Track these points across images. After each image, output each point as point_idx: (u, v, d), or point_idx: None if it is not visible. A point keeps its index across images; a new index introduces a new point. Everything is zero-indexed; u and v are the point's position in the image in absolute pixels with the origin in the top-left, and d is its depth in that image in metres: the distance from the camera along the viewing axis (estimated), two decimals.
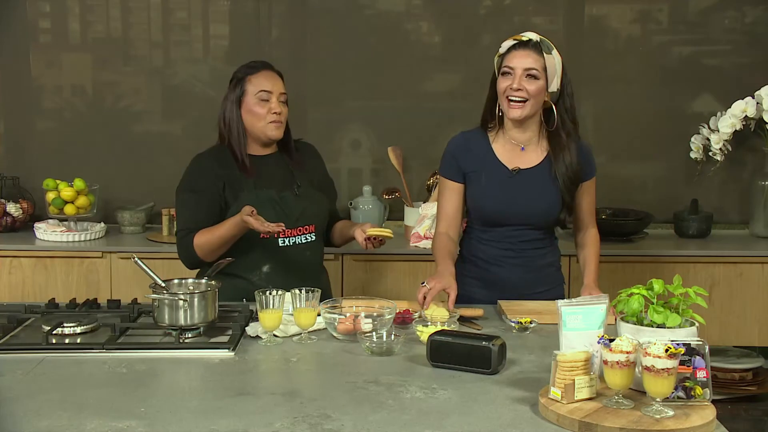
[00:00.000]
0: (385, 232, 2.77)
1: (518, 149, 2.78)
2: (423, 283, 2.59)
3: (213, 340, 2.37)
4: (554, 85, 2.72)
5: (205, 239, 2.76)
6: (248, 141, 2.87)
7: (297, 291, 2.36)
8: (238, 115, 2.84)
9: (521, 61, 2.69)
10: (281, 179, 2.88)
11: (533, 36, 2.72)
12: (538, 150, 2.78)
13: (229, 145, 2.87)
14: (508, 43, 2.74)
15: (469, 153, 2.80)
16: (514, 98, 2.69)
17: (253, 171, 2.84)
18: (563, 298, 2.76)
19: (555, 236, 2.91)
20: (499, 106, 2.76)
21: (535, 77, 2.68)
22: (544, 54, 2.69)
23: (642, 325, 1.99)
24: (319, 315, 2.43)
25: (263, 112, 2.82)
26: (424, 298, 2.55)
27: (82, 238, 3.81)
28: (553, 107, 2.74)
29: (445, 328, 2.33)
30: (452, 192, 2.82)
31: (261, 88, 2.82)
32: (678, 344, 1.83)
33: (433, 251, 2.83)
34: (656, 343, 1.81)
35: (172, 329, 2.36)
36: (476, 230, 2.85)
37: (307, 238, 2.89)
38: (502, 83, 2.71)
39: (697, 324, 2.00)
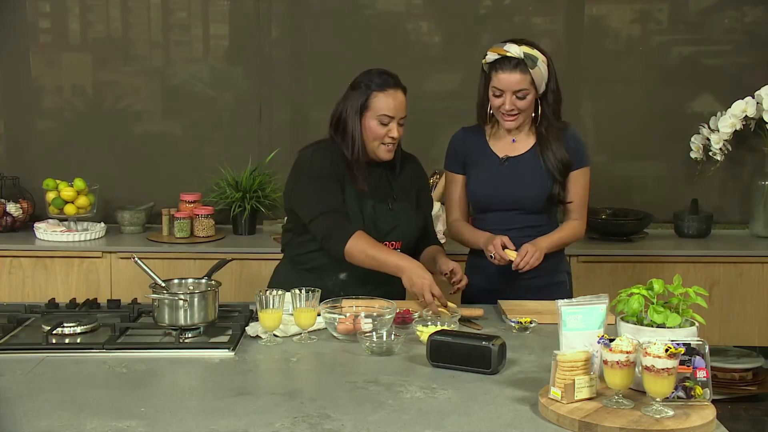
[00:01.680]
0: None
1: (509, 140, 2.90)
2: (491, 256, 2.77)
3: (213, 340, 2.37)
4: (542, 88, 2.81)
5: (364, 247, 2.64)
6: None
7: (297, 291, 2.36)
8: (359, 126, 2.75)
9: (509, 82, 2.77)
10: (379, 191, 2.81)
11: (516, 52, 2.74)
12: (527, 139, 2.89)
13: (345, 146, 2.77)
14: (492, 56, 2.79)
15: (467, 146, 2.94)
16: (507, 113, 2.81)
17: (360, 178, 2.77)
18: (565, 289, 2.83)
19: (555, 223, 2.92)
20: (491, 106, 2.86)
21: (524, 96, 2.78)
22: (530, 69, 2.74)
23: (642, 325, 1.99)
24: (319, 315, 2.43)
25: (381, 134, 2.74)
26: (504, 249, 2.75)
27: (82, 238, 3.81)
28: (539, 102, 2.83)
29: (445, 327, 2.34)
30: (456, 184, 2.98)
31: (385, 112, 2.71)
32: (678, 344, 1.83)
33: (457, 236, 2.98)
34: (656, 343, 1.81)
35: (172, 329, 2.36)
36: (476, 219, 2.97)
37: None
38: (494, 101, 2.82)
39: (697, 324, 2.00)
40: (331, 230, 2.69)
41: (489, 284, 2.87)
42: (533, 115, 2.85)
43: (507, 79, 2.76)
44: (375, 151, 2.77)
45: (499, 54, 2.77)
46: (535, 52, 2.76)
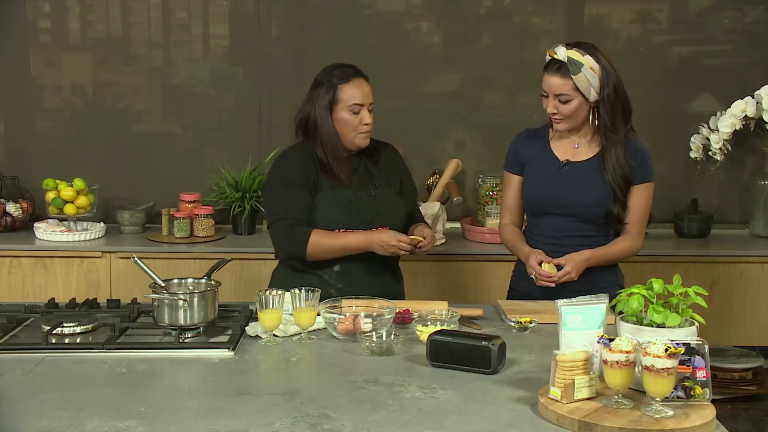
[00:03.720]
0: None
1: (572, 144, 2.85)
2: (533, 277, 2.79)
3: (213, 340, 2.37)
4: (593, 96, 2.73)
5: (326, 242, 2.74)
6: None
7: (297, 291, 2.36)
8: (330, 122, 2.81)
9: (549, 85, 2.74)
10: (359, 179, 2.86)
11: (560, 54, 2.70)
12: (591, 146, 2.83)
13: (317, 146, 2.83)
14: (547, 56, 2.76)
15: (528, 146, 2.91)
16: (552, 116, 2.79)
17: (335, 172, 2.82)
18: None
19: (610, 236, 2.85)
20: None
21: (567, 101, 2.73)
22: (572, 75, 2.69)
23: (642, 324, 1.99)
24: (319, 315, 2.43)
25: (355, 123, 2.80)
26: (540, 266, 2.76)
27: (82, 238, 3.81)
28: (596, 111, 2.77)
29: (445, 327, 2.34)
30: (512, 184, 2.94)
31: (354, 101, 2.79)
32: (678, 344, 1.84)
33: (504, 241, 2.97)
34: (656, 343, 1.81)
35: (171, 329, 2.36)
36: (529, 224, 2.94)
37: None
38: (544, 102, 2.79)
39: (696, 324, 2.00)
40: (282, 239, 2.78)
41: (536, 292, 2.81)
42: (596, 123, 2.78)
43: (548, 81, 2.74)
44: (353, 141, 2.83)
45: (549, 55, 2.74)
46: (584, 59, 2.69)
